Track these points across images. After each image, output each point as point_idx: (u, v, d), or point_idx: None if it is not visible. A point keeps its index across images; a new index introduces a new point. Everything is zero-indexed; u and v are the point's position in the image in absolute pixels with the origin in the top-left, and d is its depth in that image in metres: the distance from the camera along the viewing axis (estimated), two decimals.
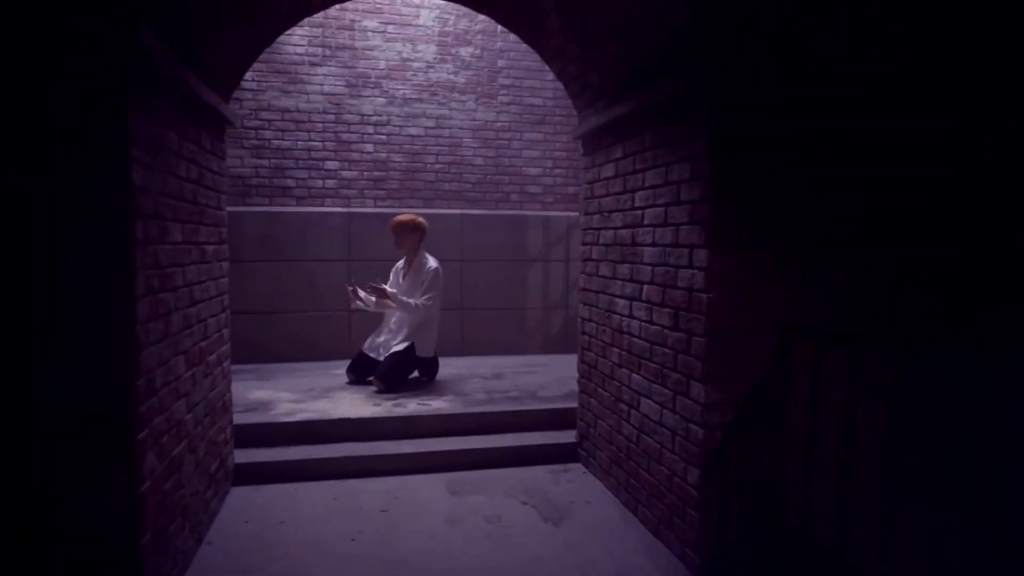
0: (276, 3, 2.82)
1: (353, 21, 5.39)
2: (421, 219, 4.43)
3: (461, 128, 5.70)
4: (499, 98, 5.76)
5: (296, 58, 5.32)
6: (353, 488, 3.22)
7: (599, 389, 3.34)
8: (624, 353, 3.01)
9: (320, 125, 5.42)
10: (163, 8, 2.02)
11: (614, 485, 3.16)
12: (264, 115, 5.31)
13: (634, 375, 2.90)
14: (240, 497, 3.09)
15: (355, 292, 4.42)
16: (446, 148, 5.69)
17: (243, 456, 3.30)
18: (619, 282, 3.05)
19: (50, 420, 1.82)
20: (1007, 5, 2.37)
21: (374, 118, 5.51)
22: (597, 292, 3.34)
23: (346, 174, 5.50)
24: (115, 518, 1.87)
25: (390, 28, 5.48)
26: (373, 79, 5.48)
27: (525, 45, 3.61)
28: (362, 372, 4.41)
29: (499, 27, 5.46)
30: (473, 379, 4.63)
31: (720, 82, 2.23)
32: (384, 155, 5.57)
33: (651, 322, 2.73)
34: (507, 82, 5.76)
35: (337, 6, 5.14)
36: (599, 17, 2.73)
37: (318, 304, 5.32)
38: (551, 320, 5.87)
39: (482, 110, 5.73)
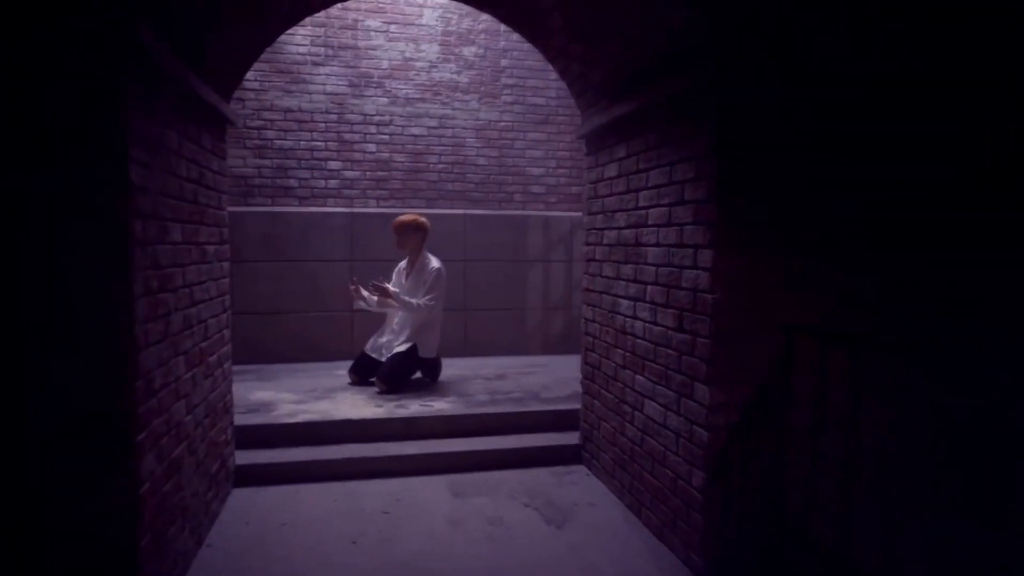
0: (276, 3, 2.80)
1: (356, 20, 5.38)
2: (423, 219, 4.41)
3: (464, 128, 5.69)
4: (502, 98, 5.74)
5: (299, 58, 5.31)
6: (355, 490, 3.20)
7: (602, 391, 3.31)
8: (628, 354, 2.98)
9: (323, 125, 5.41)
10: (163, 8, 2.01)
11: (617, 487, 3.14)
12: (267, 115, 5.30)
13: (638, 376, 2.88)
14: (241, 499, 3.07)
15: (358, 290, 4.41)
16: (449, 148, 5.68)
17: (244, 457, 3.29)
18: (623, 283, 3.03)
19: (50, 420, 1.81)
20: (1007, 5, 2.36)
21: (377, 118, 5.50)
22: (600, 293, 3.32)
23: (349, 174, 5.49)
24: (113, 519, 1.86)
25: (393, 27, 5.47)
26: (376, 79, 5.47)
27: (528, 44, 3.60)
28: (364, 373, 4.40)
29: (502, 26, 5.45)
30: (476, 380, 4.62)
31: (722, 82, 2.22)
32: (387, 155, 5.56)
33: (655, 323, 2.70)
34: (510, 82, 5.74)
35: (339, 5, 5.16)
36: (601, 16, 2.71)
37: (320, 305, 5.32)
38: (554, 321, 5.85)
39: (485, 110, 5.72)
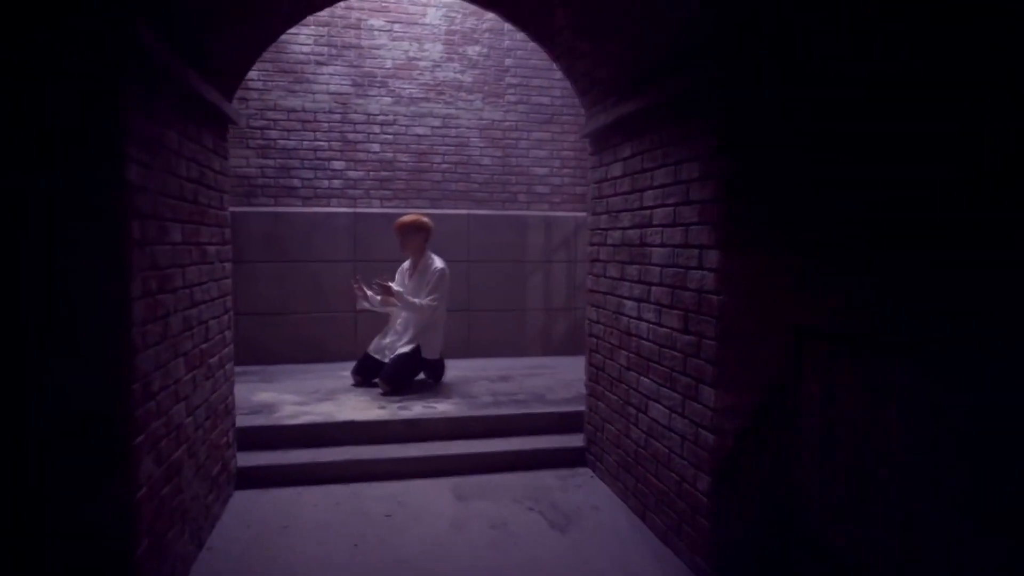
0: (276, 2, 2.79)
1: (359, 20, 5.37)
2: (426, 219, 4.39)
3: (468, 127, 5.67)
4: (506, 97, 5.72)
5: (302, 57, 5.30)
6: (357, 492, 3.18)
7: (607, 392, 3.28)
8: (632, 356, 2.95)
9: (326, 125, 5.39)
10: (163, 8, 2.00)
11: (622, 490, 3.10)
12: (270, 115, 5.29)
13: (643, 378, 2.85)
14: (243, 501, 3.06)
15: (361, 289, 4.39)
16: (453, 148, 5.66)
17: (246, 459, 3.27)
18: (627, 283, 3.00)
19: (50, 420, 1.79)
20: (1007, 5, 2.34)
21: (380, 117, 5.49)
22: (605, 293, 3.29)
23: (352, 174, 5.48)
24: (112, 522, 1.84)
25: (396, 27, 5.45)
26: (379, 78, 5.45)
27: (533, 43, 3.57)
28: (367, 374, 4.38)
29: (506, 25, 5.42)
30: (479, 381, 4.59)
31: (725, 81, 2.20)
32: (390, 155, 5.54)
33: (660, 324, 2.67)
34: (514, 81, 5.72)
35: (343, 4, 5.14)
36: (606, 14, 2.68)
37: (323, 305, 5.30)
38: (558, 322, 5.82)
39: (489, 109, 5.69)
